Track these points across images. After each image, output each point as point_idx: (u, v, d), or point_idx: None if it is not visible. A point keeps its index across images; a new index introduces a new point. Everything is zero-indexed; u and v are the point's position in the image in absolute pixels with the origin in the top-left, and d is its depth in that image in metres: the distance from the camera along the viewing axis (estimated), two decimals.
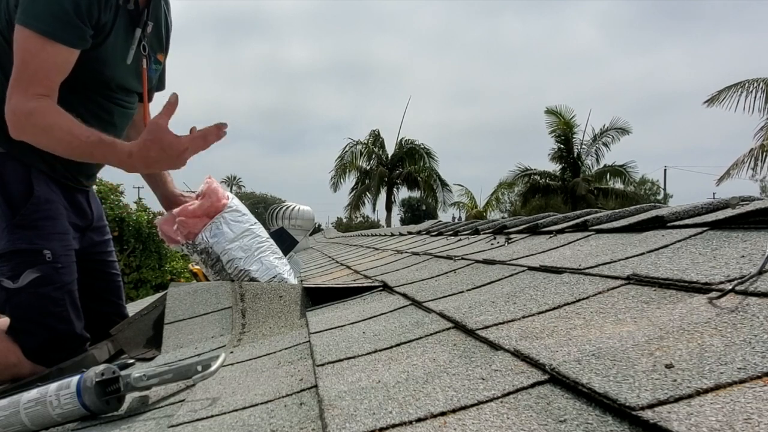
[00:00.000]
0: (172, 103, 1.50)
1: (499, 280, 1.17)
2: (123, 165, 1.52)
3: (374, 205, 26.64)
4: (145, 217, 9.34)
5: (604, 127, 22.88)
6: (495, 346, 0.73)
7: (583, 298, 0.84)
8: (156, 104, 2.01)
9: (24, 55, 1.46)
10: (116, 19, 1.59)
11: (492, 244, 1.78)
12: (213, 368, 0.96)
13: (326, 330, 1.15)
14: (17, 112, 1.48)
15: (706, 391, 0.45)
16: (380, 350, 0.88)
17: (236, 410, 0.80)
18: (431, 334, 0.90)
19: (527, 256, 1.34)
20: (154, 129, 1.47)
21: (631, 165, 23.07)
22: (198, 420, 0.80)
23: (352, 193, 26.84)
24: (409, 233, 3.63)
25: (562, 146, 23.26)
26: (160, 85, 2.00)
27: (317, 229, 13.70)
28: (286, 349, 1.17)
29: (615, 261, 0.99)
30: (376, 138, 26.23)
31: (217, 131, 1.52)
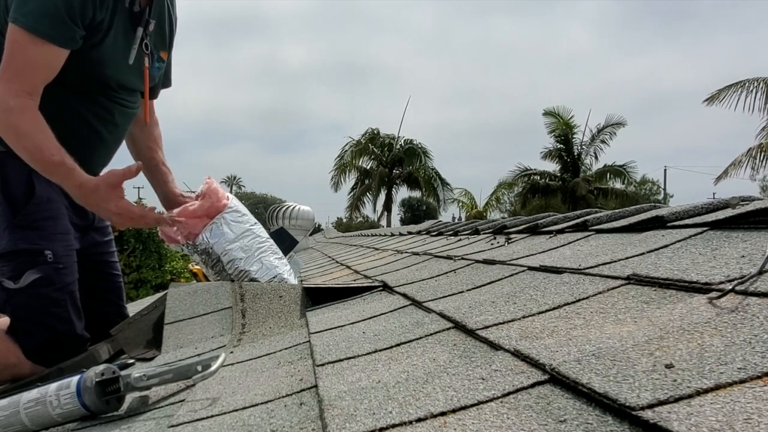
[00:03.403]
0: (132, 172, 1.58)
1: (499, 280, 1.17)
2: (72, 192, 1.56)
3: (374, 205, 26.66)
4: None
5: (599, 125, 22.95)
6: (495, 346, 0.73)
7: (583, 298, 0.84)
8: (160, 103, 2.02)
9: (12, 47, 1.47)
10: (114, 18, 1.59)
11: (492, 244, 1.78)
12: (213, 368, 0.96)
13: (326, 330, 1.15)
14: None
15: (706, 391, 0.45)
16: (380, 350, 0.88)
17: (236, 410, 0.80)
18: (431, 334, 0.90)
19: (527, 256, 1.34)
20: (107, 180, 1.55)
21: (631, 165, 23.11)
22: (198, 420, 0.80)
23: (352, 193, 26.86)
24: (409, 233, 3.63)
25: (561, 146, 23.31)
26: (166, 82, 2.00)
27: (317, 229, 13.69)
28: (286, 349, 1.17)
29: (615, 261, 0.99)
30: (374, 137, 26.21)
31: (159, 221, 1.71)
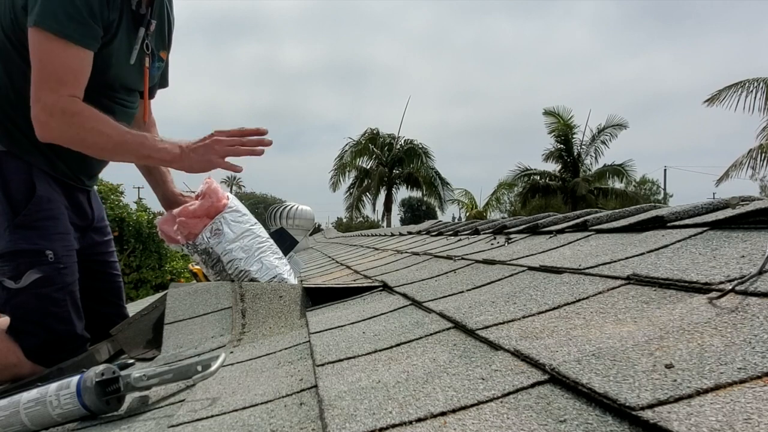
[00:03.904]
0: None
1: (499, 280, 1.17)
2: (170, 147, 1.61)
3: (374, 205, 26.71)
4: (145, 217, 9.36)
5: (600, 126, 22.99)
6: (495, 346, 0.73)
7: (583, 298, 0.84)
8: (159, 102, 2.02)
9: (46, 56, 1.46)
10: (121, 18, 1.59)
11: (492, 244, 1.78)
12: (213, 368, 0.96)
13: (326, 330, 1.15)
14: (55, 111, 1.48)
15: (706, 391, 0.45)
16: (380, 350, 0.88)
17: (236, 410, 0.80)
18: (431, 334, 0.90)
19: (527, 256, 1.34)
20: (215, 135, 1.63)
21: (629, 164, 23.17)
22: (198, 420, 0.80)
23: (349, 192, 26.86)
24: (409, 233, 3.63)
25: (561, 146, 23.33)
26: (163, 82, 2.00)
27: (317, 229, 13.69)
28: (286, 349, 1.17)
29: (615, 261, 0.99)
30: (374, 137, 26.22)
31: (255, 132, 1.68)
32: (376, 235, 5.10)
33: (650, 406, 0.44)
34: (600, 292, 0.84)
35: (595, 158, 23.52)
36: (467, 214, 27.31)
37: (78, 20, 1.45)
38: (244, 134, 1.65)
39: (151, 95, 1.96)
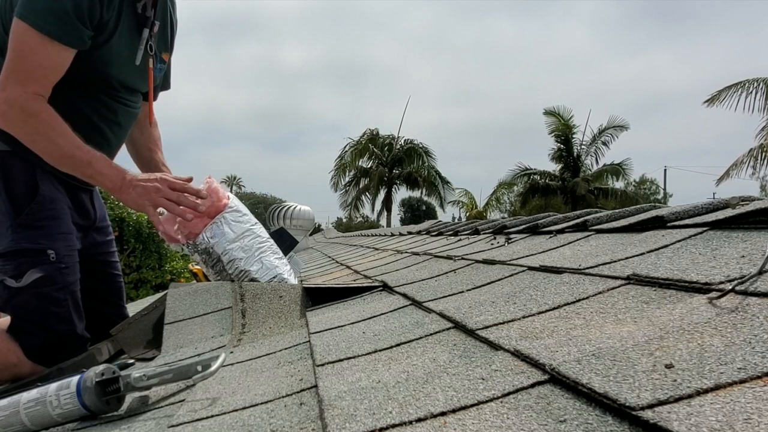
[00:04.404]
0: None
1: (499, 280, 1.17)
2: (114, 176, 1.57)
3: (373, 204, 26.75)
4: (146, 217, 9.34)
5: (601, 126, 23.03)
6: (495, 346, 0.73)
7: (583, 298, 0.84)
8: (159, 103, 2.02)
9: (22, 48, 1.46)
10: (120, 18, 1.59)
11: (492, 244, 1.78)
12: (213, 368, 0.96)
13: (326, 330, 1.15)
14: (14, 105, 1.48)
15: (706, 391, 0.45)
16: (380, 350, 0.88)
17: (236, 410, 0.80)
18: (431, 334, 0.90)
19: (527, 256, 1.34)
20: (160, 179, 1.60)
21: (626, 163, 23.22)
22: (198, 420, 0.80)
23: (345, 190, 26.87)
24: (409, 233, 3.63)
25: (562, 146, 23.35)
26: (165, 84, 2.00)
27: (317, 229, 13.69)
28: (286, 349, 1.17)
29: (615, 261, 0.99)
30: (374, 137, 26.24)
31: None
32: (376, 235, 5.10)
33: (650, 406, 0.44)
34: (600, 292, 0.84)
35: (596, 159, 23.57)
36: (467, 214, 27.34)
37: (61, 17, 1.45)
38: (186, 190, 1.63)
39: (154, 97, 1.96)
